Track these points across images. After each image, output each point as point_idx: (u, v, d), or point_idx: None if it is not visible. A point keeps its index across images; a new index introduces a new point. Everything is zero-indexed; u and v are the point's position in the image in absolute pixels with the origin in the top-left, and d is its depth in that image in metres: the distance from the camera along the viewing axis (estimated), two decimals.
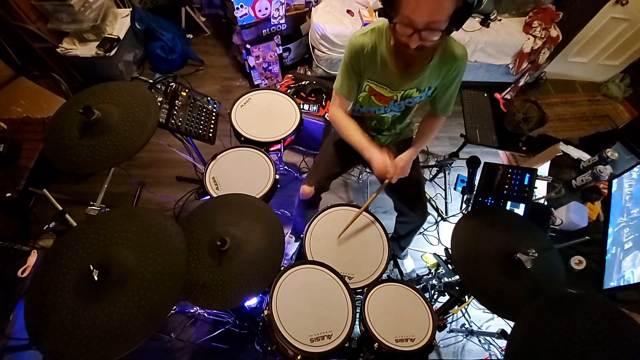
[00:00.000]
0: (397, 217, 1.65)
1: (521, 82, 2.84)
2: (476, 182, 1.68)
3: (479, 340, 1.82)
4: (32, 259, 1.46)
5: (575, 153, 1.91)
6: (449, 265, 1.48)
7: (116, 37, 2.31)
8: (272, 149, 1.62)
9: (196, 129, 1.53)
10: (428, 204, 2.30)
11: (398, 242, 1.80)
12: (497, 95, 2.18)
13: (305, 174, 2.32)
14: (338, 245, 1.37)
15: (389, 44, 1.07)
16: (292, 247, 1.89)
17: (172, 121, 1.45)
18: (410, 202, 1.49)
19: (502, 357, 1.70)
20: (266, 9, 2.28)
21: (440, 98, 1.24)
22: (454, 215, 2.26)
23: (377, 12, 2.52)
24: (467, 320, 1.79)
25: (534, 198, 1.56)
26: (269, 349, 1.22)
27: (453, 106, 1.28)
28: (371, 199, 1.36)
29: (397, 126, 1.36)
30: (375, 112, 1.29)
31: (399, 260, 2.00)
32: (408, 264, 2.00)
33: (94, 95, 1.17)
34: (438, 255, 1.64)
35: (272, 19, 2.37)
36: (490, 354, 1.80)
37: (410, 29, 0.88)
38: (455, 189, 2.31)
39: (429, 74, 1.12)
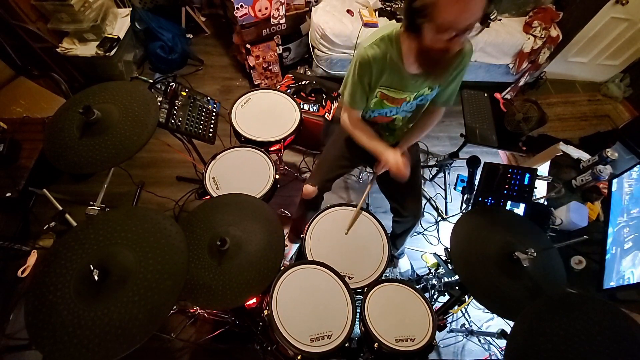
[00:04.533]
0: (393, 217, 1.66)
1: (521, 82, 2.84)
2: (476, 182, 1.68)
3: (479, 340, 1.82)
4: (32, 259, 1.46)
5: (575, 153, 1.91)
6: (449, 265, 1.48)
7: (116, 37, 2.31)
8: (272, 148, 1.62)
9: (196, 128, 1.53)
10: (428, 204, 2.33)
11: (394, 241, 1.80)
12: (497, 95, 2.18)
13: (306, 174, 2.33)
14: (338, 245, 1.37)
15: (401, 50, 1.08)
16: (290, 252, 1.90)
17: (172, 121, 1.45)
18: (404, 201, 1.49)
19: (502, 357, 1.70)
20: (266, 8, 2.28)
21: (444, 90, 1.25)
22: (454, 215, 2.26)
23: (376, 12, 2.52)
24: (467, 320, 1.79)
25: (534, 198, 1.56)
26: (269, 349, 1.22)
27: (454, 99, 1.29)
28: (365, 193, 1.38)
29: (409, 125, 1.39)
30: (386, 113, 1.30)
31: (395, 260, 1.99)
32: (404, 264, 2.00)
33: (94, 95, 1.17)
34: (438, 255, 1.64)
35: (272, 19, 2.37)
36: (490, 354, 1.80)
37: (452, 33, 0.89)
38: (455, 188, 2.31)
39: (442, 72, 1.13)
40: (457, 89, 1.26)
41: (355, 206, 1.45)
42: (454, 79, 1.21)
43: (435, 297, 1.61)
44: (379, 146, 1.28)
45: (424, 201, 2.33)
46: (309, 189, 1.47)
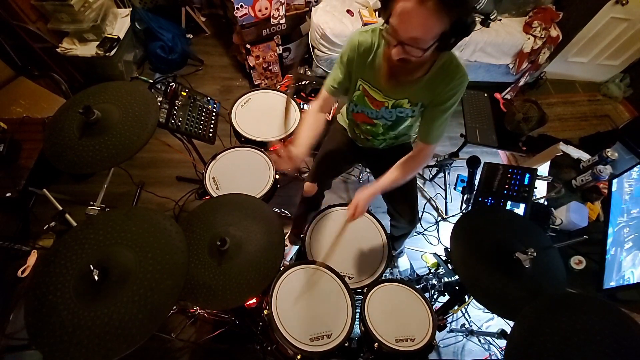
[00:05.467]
0: (390, 220, 1.65)
1: (521, 82, 2.84)
2: (476, 182, 1.68)
3: (479, 340, 1.82)
4: (32, 259, 1.45)
5: (575, 153, 1.91)
6: (449, 265, 1.48)
7: (116, 37, 2.31)
8: (272, 149, 1.62)
9: (196, 128, 1.53)
10: (428, 204, 2.33)
11: (392, 243, 1.80)
12: (497, 95, 2.18)
13: (306, 174, 2.32)
14: (338, 246, 1.37)
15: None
16: (290, 252, 1.90)
17: (172, 121, 1.45)
18: (400, 208, 1.47)
19: (502, 357, 1.70)
20: (266, 9, 2.28)
21: (425, 121, 1.15)
22: (454, 215, 2.26)
23: (377, 12, 2.52)
24: (467, 320, 1.79)
25: (534, 198, 1.56)
26: (269, 349, 1.22)
27: (441, 136, 1.14)
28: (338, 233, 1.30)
29: (390, 133, 1.32)
30: (367, 114, 1.26)
31: (394, 259, 2.00)
32: (402, 263, 2.00)
33: (94, 95, 1.17)
34: (438, 255, 1.64)
35: (272, 19, 2.37)
36: (490, 354, 1.80)
37: (395, 40, 0.87)
38: (455, 189, 2.31)
39: (422, 88, 1.07)
40: (440, 125, 1.11)
41: None
42: (437, 106, 1.09)
43: (435, 297, 1.61)
44: (299, 134, 1.18)
45: (423, 201, 2.33)
46: (309, 185, 1.46)
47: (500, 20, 2.67)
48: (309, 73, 2.80)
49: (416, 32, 0.82)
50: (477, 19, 2.61)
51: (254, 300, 1.41)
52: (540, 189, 1.74)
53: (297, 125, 1.24)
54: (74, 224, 1.15)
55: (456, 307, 1.50)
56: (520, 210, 1.50)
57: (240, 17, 2.22)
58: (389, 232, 1.53)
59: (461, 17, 0.81)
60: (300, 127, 1.23)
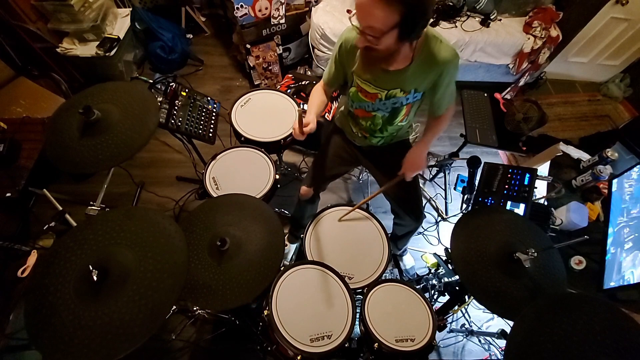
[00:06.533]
0: (394, 219, 1.66)
1: (521, 82, 2.84)
2: (476, 182, 1.68)
3: (479, 340, 1.82)
4: (32, 259, 1.45)
5: (575, 153, 1.91)
6: (449, 265, 1.48)
7: (116, 37, 2.31)
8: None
9: (196, 129, 1.53)
10: (428, 204, 2.33)
11: (395, 242, 1.81)
12: (497, 95, 2.18)
13: (305, 174, 2.33)
14: (338, 245, 1.37)
15: None
16: (290, 252, 1.90)
17: (172, 121, 1.45)
18: (406, 206, 1.49)
19: (502, 357, 1.70)
20: (266, 9, 2.28)
21: (431, 100, 1.24)
22: (454, 216, 2.26)
23: None
24: (467, 320, 1.79)
25: (534, 198, 1.56)
26: (269, 349, 1.22)
27: (445, 107, 1.26)
28: (376, 193, 1.38)
29: (388, 127, 1.34)
30: (365, 108, 1.29)
31: (398, 257, 2.00)
32: (408, 261, 2.01)
33: (94, 95, 1.17)
34: (438, 255, 1.64)
35: (272, 19, 2.37)
36: (490, 354, 1.80)
37: (357, 29, 0.94)
38: (455, 189, 2.31)
39: (412, 75, 1.11)
40: (444, 99, 1.22)
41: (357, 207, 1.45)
42: (437, 87, 1.16)
43: (435, 297, 1.61)
44: (312, 108, 1.28)
45: (424, 201, 2.33)
46: (305, 189, 1.48)
47: (500, 20, 2.67)
48: (309, 73, 2.80)
49: (368, 20, 0.89)
50: (476, 18, 2.62)
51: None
52: (540, 189, 1.74)
53: (309, 102, 1.35)
54: (74, 224, 1.15)
55: (456, 307, 1.51)
56: (520, 210, 1.50)
57: (240, 17, 2.22)
58: (389, 232, 1.53)
59: (413, 6, 0.85)
60: (310, 101, 1.34)
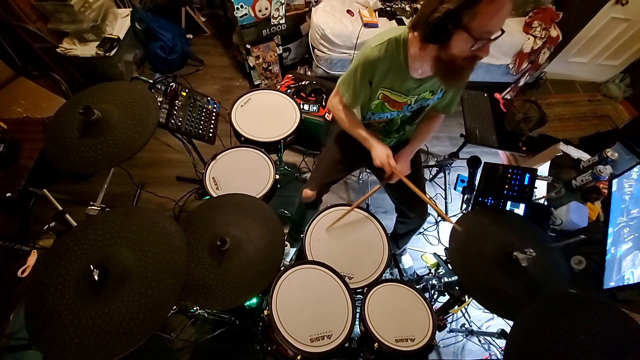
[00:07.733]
0: (397, 217, 1.66)
1: (521, 82, 2.84)
2: (476, 182, 1.68)
3: (479, 340, 1.82)
4: (32, 259, 1.45)
5: (575, 153, 1.91)
6: (449, 265, 1.48)
7: (116, 37, 2.31)
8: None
9: (196, 129, 1.53)
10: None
11: (396, 241, 1.80)
12: (497, 95, 2.18)
13: (306, 174, 2.33)
14: (338, 245, 1.37)
15: (407, 54, 1.06)
16: (290, 252, 1.90)
17: (172, 121, 1.45)
18: (410, 203, 1.49)
19: (502, 357, 1.70)
20: (266, 9, 2.28)
21: (445, 96, 1.25)
22: (454, 216, 2.25)
23: (376, 12, 2.52)
24: (467, 320, 1.79)
25: (534, 198, 1.56)
26: (269, 349, 1.22)
27: (456, 105, 1.30)
28: (367, 195, 1.39)
29: (407, 127, 1.37)
30: (387, 117, 1.30)
31: (397, 257, 2.00)
32: (406, 261, 2.01)
33: (94, 95, 1.17)
34: (438, 255, 1.64)
35: (272, 19, 2.37)
36: (490, 354, 1.80)
37: (487, 39, 0.93)
38: (455, 189, 2.30)
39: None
40: (458, 95, 1.27)
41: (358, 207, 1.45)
42: (457, 91, 1.22)
43: (435, 297, 1.61)
44: (364, 133, 1.28)
45: None
46: (308, 192, 1.47)
47: None
48: (309, 73, 2.80)
49: (506, 18, 0.90)
50: None
51: (254, 300, 1.40)
52: (540, 189, 1.74)
53: (350, 129, 1.33)
54: (74, 224, 1.15)
55: (456, 307, 1.50)
56: (520, 210, 1.50)
57: (240, 17, 2.22)
58: (389, 231, 1.53)
59: None
60: (357, 128, 1.31)
